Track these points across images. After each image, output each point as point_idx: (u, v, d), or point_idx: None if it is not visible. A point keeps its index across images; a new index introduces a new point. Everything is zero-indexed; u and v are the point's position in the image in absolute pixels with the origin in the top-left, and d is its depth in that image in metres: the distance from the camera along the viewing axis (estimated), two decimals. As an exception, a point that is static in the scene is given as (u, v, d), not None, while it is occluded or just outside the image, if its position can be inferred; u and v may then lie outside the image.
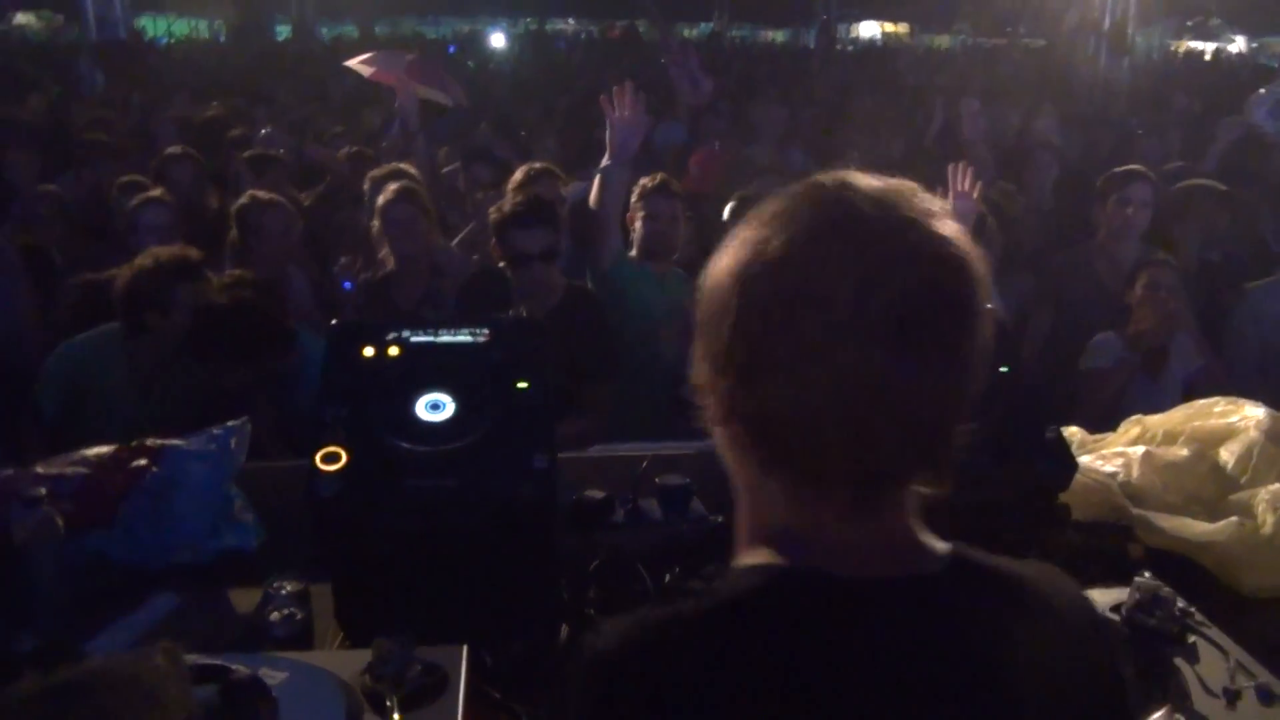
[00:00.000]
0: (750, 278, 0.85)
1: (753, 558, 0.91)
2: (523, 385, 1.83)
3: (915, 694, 0.84)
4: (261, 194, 4.14)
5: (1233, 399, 2.52)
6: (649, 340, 3.65)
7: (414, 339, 1.91)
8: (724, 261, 0.90)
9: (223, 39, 20.53)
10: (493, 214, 3.50)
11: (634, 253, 3.80)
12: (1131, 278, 3.82)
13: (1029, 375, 2.00)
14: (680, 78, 6.16)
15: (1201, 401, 2.54)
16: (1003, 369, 1.97)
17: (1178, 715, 1.47)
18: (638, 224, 3.78)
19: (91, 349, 3.22)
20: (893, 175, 0.91)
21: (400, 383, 1.82)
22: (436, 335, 1.93)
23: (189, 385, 3.16)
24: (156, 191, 4.25)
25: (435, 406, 1.79)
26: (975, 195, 3.46)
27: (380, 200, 3.98)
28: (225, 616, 1.91)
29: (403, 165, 4.70)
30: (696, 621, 0.84)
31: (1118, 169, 4.28)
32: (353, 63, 7.31)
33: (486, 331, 1.93)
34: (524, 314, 2.02)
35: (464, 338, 1.93)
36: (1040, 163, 5.57)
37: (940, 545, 0.93)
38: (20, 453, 3.01)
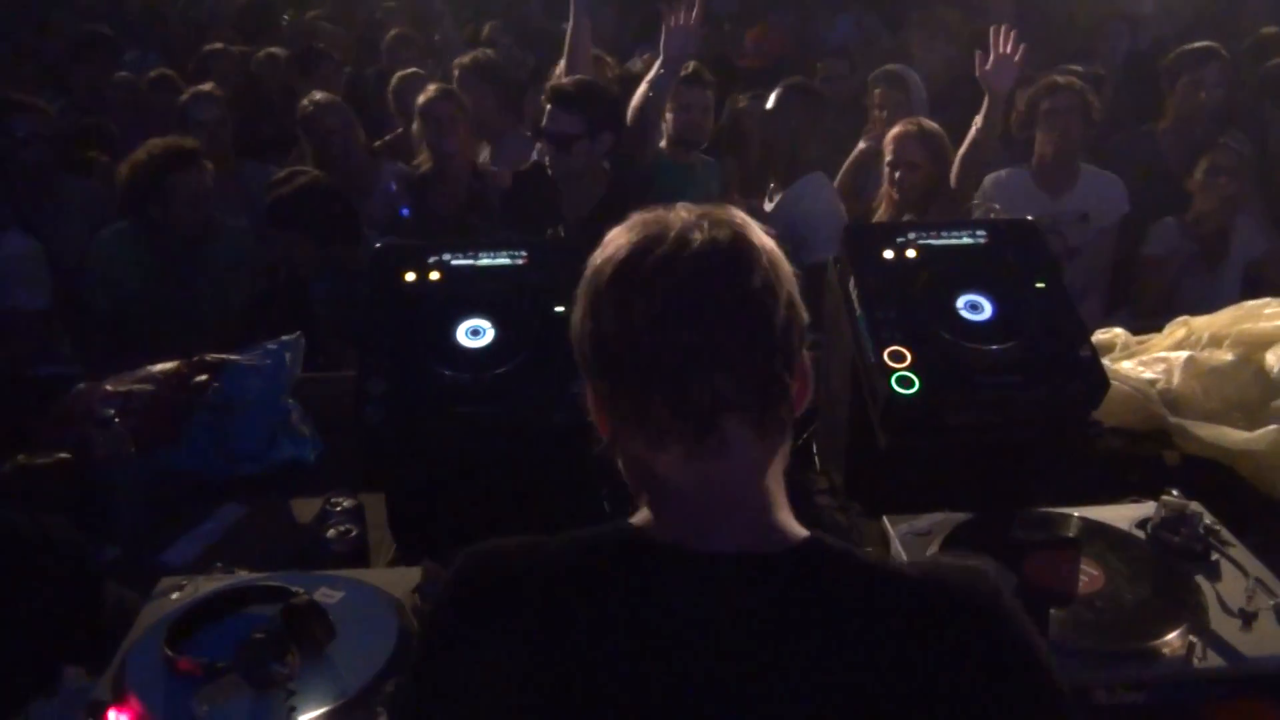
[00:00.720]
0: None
1: (633, 519, 1.00)
2: (559, 309, 1.88)
3: (701, 673, 0.88)
4: (319, 95, 4.13)
5: (1283, 300, 2.48)
6: None
7: (454, 262, 1.96)
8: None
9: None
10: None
11: (664, 143, 3.78)
12: (1193, 162, 3.71)
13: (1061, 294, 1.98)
14: None
15: (1251, 303, 2.50)
16: (1039, 284, 1.96)
17: (1192, 636, 1.52)
18: (669, 114, 3.75)
19: (115, 245, 3.38)
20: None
21: (442, 308, 1.87)
22: (476, 258, 1.97)
23: (222, 277, 3.35)
24: (206, 86, 4.26)
25: (475, 333, 1.84)
26: (1017, 58, 3.37)
27: (420, 99, 3.96)
28: (287, 528, 2.04)
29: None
30: (546, 557, 0.96)
31: (1190, 46, 4.08)
32: None
33: (524, 254, 1.97)
34: (561, 233, 2.03)
35: (503, 260, 1.97)
36: (1112, 33, 5.33)
37: (798, 530, 0.97)
38: (89, 355, 3.19)
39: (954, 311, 1.93)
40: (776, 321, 0.93)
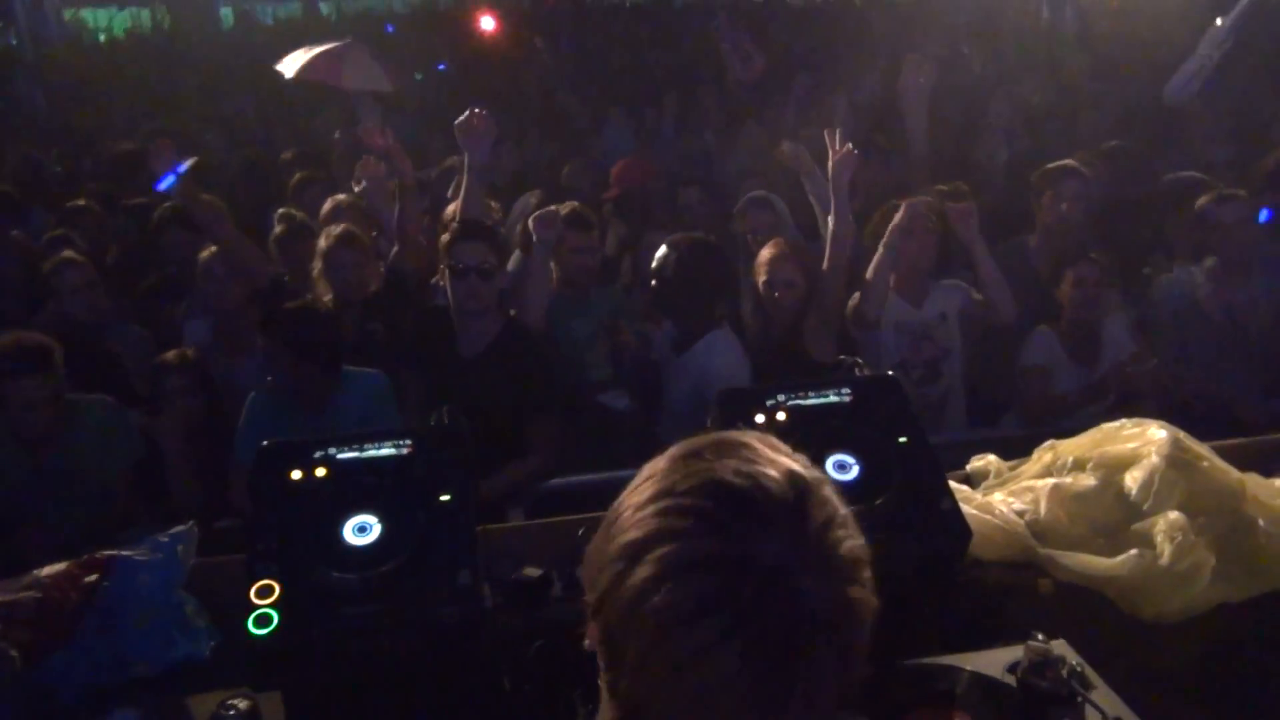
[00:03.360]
0: (634, 573, 0.92)
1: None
2: (445, 498, 1.93)
3: None
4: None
5: (1140, 420, 2.64)
6: (576, 366, 3.80)
7: (340, 456, 2.01)
8: (629, 535, 0.95)
9: (166, 27, 20.16)
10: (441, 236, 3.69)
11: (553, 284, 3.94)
12: (1059, 274, 3.95)
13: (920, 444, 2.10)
14: (731, 53, 6.25)
15: (1111, 424, 2.65)
16: (901, 439, 2.08)
17: (1059, 787, 1.61)
18: (555, 260, 3.91)
19: None
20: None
21: (329, 507, 1.91)
22: (363, 449, 2.02)
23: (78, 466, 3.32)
24: (68, 253, 4.28)
25: (362, 529, 1.88)
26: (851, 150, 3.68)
27: (322, 244, 4.06)
28: (184, 732, 2.02)
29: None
30: None
31: (1051, 165, 4.37)
32: (284, 68, 7.22)
33: (409, 443, 2.03)
34: (445, 418, 2.09)
35: (388, 450, 2.02)
36: (989, 146, 5.66)
37: None
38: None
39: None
40: None
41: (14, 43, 11.54)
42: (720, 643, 0.87)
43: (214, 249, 4.17)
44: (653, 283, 3.79)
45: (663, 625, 0.89)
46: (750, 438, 1.00)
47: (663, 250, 3.82)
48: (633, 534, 0.94)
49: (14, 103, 9.86)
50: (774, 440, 1.00)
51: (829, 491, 0.98)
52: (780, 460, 0.98)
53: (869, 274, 3.83)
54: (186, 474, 3.51)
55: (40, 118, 9.01)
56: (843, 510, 0.97)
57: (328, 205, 4.75)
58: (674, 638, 0.89)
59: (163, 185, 4.04)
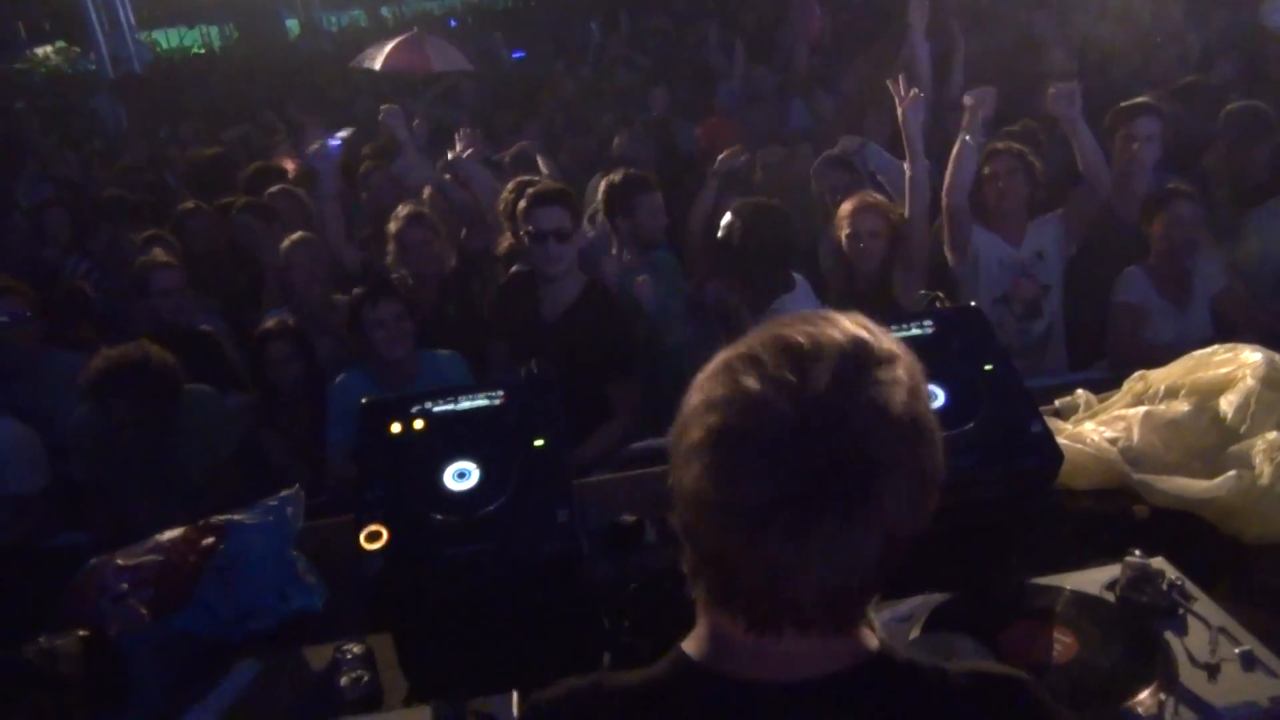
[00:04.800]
0: (703, 450, 0.93)
1: (687, 642, 1.04)
2: (539, 443, 1.99)
3: None
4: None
5: (1232, 345, 2.59)
6: (655, 333, 3.85)
7: (436, 409, 2.08)
8: (693, 396, 0.97)
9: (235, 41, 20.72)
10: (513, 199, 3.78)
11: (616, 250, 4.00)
12: (1149, 212, 3.88)
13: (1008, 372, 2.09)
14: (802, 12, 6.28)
15: (1202, 351, 2.61)
16: (987, 367, 2.08)
17: (1163, 694, 1.60)
18: (620, 221, 3.98)
19: (85, 420, 3.50)
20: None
21: (428, 456, 1.98)
22: (457, 403, 2.09)
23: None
24: (160, 254, 4.43)
25: (462, 475, 1.95)
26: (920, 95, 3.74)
27: (392, 226, 4.19)
28: (302, 679, 2.11)
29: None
30: (610, 695, 1.01)
31: (1124, 103, 4.29)
32: (366, 63, 7.40)
33: (501, 394, 2.09)
34: (534, 369, 2.15)
35: (481, 402, 2.09)
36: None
37: (865, 643, 1.01)
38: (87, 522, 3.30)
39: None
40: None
41: (93, 67, 11.98)
42: (762, 466, 0.89)
43: (295, 238, 4.31)
44: (722, 250, 3.82)
45: (711, 461, 0.91)
46: (833, 313, 1.00)
47: (728, 217, 3.84)
48: (695, 395, 0.96)
49: (98, 122, 10.25)
50: (861, 317, 1.00)
51: (893, 349, 0.97)
52: (846, 325, 0.97)
53: (950, 162, 3.92)
54: (288, 457, 3.65)
55: (123, 135, 9.35)
56: (904, 370, 0.96)
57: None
58: (718, 470, 0.91)
59: (333, 147, 4.24)
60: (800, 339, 0.94)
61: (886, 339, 0.97)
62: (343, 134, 4.31)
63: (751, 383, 0.92)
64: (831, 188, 4.50)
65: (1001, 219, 4.09)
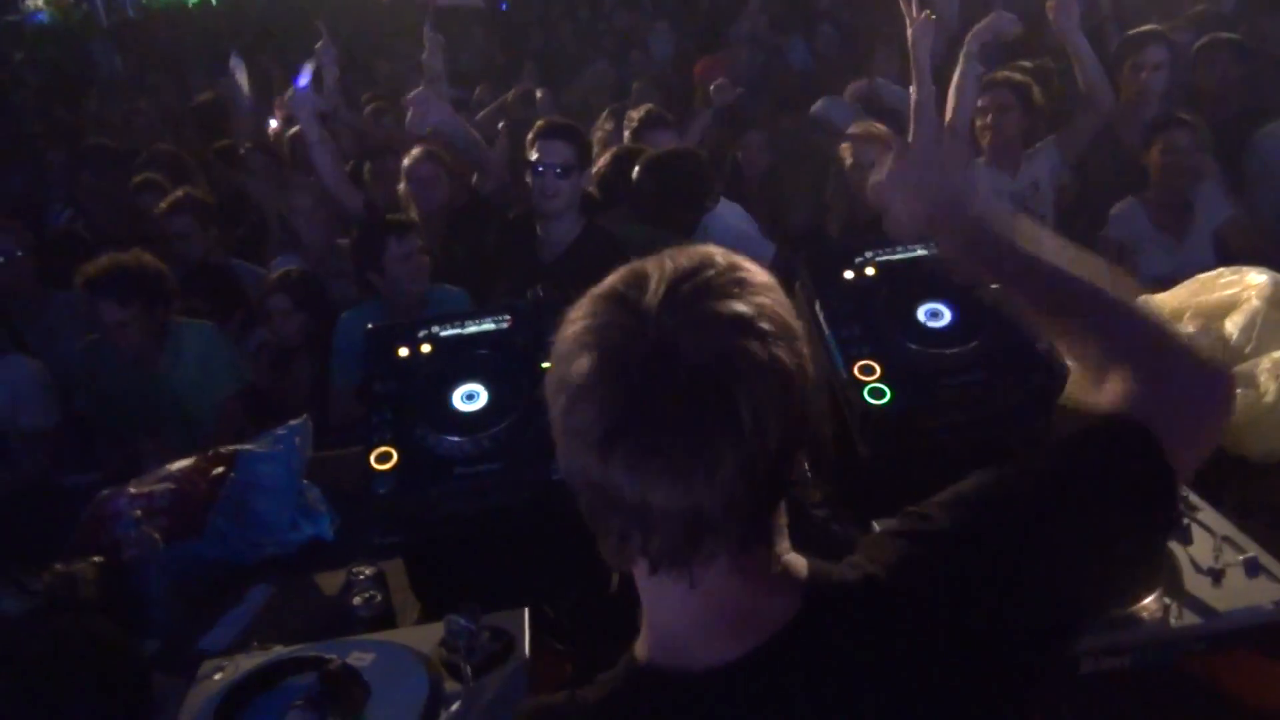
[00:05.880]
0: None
1: (639, 643, 1.00)
2: (547, 365, 1.99)
3: None
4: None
5: (1237, 268, 2.59)
6: None
7: (443, 333, 2.08)
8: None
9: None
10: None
11: None
12: (1147, 140, 3.84)
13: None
14: None
15: (1207, 274, 2.61)
16: (993, 285, 2.07)
17: (1167, 599, 1.62)
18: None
19: (88, 354, 3.52)
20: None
21: (436, 379, 1.99)
22: (463, 326, 2.09)
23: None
24: (180, 193, 4.35)
25: (470, 397, 1.96)
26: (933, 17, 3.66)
27: (406, 162, 4.16)
28: (315, 601, 2.15)
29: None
30: (579, 711, 0.98)
31: (1132, 31, 4.23)
32: None
33: (508, 317, 2.09)
34: (540, 294, 2.15)
35: (488, 325, 2.09)
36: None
37: (796, 571, 0.96)
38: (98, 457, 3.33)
39: (916, 321, 2.05)
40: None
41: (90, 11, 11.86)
42: (593, 389, 0.87)
43: (297, 183, 4.29)
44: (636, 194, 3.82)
45: (558, 389, 0.91)
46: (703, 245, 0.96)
47: (637, 167, 3.84)
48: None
49: (93, 67, 10.15)
50: (729, 251, 0.95)
51: (727, 260, 0.92)
52: (702, 249, 0.94)
53: (950, 92, 3.92)
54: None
55: (118, 80, 9.26)
56: (742, 276, 0.91)
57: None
58: (561, 401, 0.90)
59: (302, 89, 4.21)
60: (648, 265, 0.93)
61: (741, 259, 0.94)
62: (306, 71, 4.19)
63: (589, 307, 0.92)
64: (866, 161, 4.44)
65: (995, 151, 4.08)
